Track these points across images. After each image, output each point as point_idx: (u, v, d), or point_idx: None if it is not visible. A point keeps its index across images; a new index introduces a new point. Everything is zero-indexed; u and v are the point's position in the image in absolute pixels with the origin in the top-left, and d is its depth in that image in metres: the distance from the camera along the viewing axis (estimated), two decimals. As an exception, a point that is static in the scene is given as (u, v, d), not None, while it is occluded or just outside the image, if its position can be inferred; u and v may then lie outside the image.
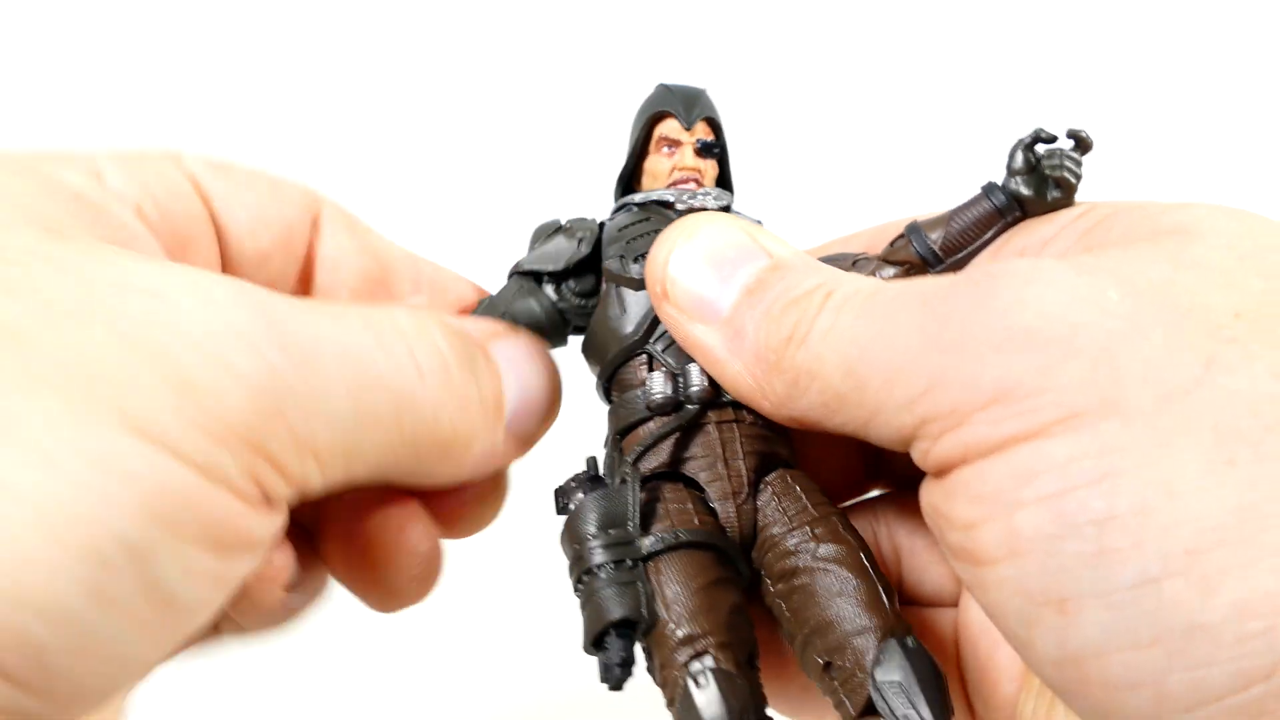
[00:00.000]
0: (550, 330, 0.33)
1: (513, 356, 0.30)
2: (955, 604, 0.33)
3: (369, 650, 0.59)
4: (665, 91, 0.33)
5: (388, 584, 0.30)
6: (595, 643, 0.27)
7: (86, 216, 0.25)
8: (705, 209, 0.31)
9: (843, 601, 0.27)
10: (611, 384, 0.32)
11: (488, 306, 0.33)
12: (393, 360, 0.26)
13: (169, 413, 0.21)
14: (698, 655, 0.26)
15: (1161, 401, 0.21)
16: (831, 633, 0.26)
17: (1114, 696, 0.21)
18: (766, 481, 0.30)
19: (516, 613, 0.59)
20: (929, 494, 0.24)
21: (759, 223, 0.32)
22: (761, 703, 0.26)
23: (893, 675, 0.25)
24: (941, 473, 0.23)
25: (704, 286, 0.28)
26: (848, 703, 0.26)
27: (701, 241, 0.28)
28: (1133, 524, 0.20)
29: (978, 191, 0.29)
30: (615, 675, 0.26)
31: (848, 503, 0.36)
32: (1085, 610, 0.21)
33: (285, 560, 0.29)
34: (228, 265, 0.30)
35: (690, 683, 0.25)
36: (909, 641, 0.26)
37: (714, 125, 0.33)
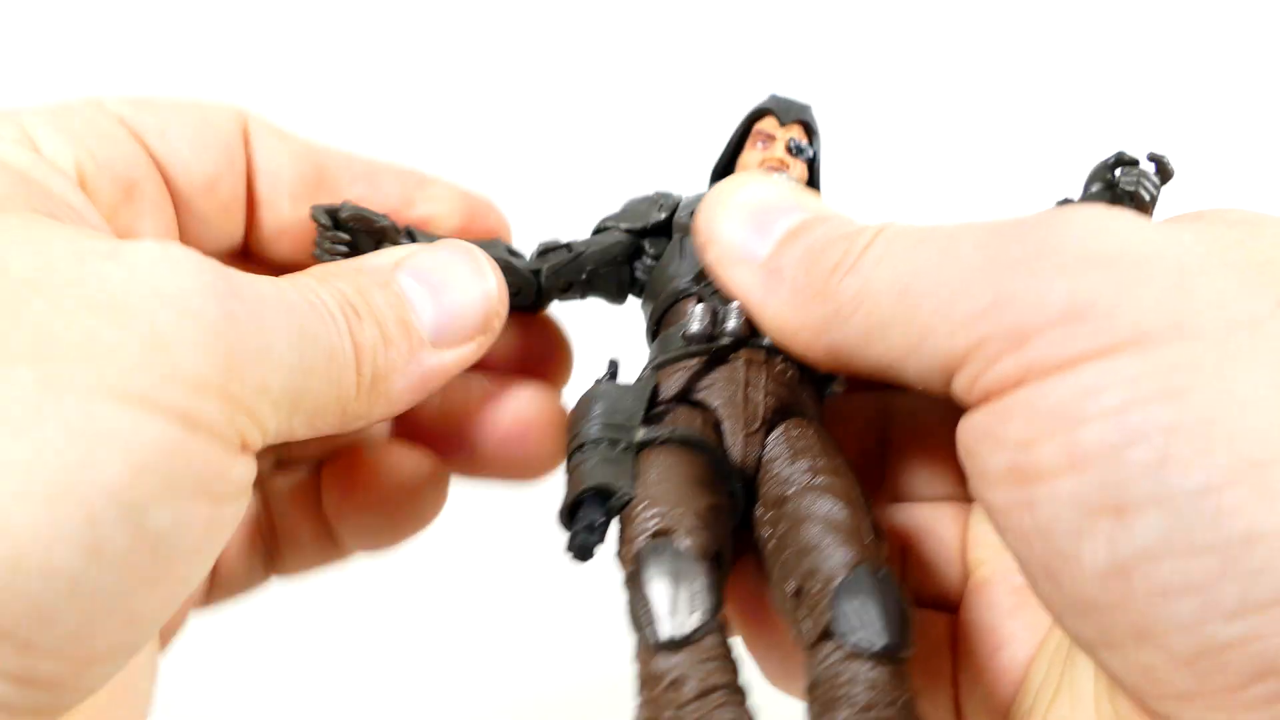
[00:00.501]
0: (615, 276, 0.35)
1: (420, 272, 0.30)
2: (955, 609, 0.33)
3: (377, 647, 0.59)
4: (771, 97, 0.34)
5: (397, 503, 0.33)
6: (571, 509, 0.27)
7: (32, 192, 0.26)
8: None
9: (825, 530, 0.27)
10: (660, 325, 0.33)
11: (566, 248, 0.34)
12: (315, 312, 0.26)
13: (144, 370, 0.21)
14: (662, 533, 0.26)
15: (1232, 328, 0.21)
16: (807, 558, 0.26)
17: (1160, 604, 0.21)
18: (786, 427, 0.30)
19: (522, 610, 0.59)
20: (973, 423, 0.24)
21: None
22: (718, 600, 0.25)
23: (854, 601, 0.25)
24: (991, 397, 0.23)
25: (744, 231, 0.28)
26: (808, 627, 0.25)
27: (746, 192, 0.29)
28: (1199, 434, 0.20)
29: (1051, 206, 0.29)
30: (580, 542, 0.26)
31: None
32: (1144, 515, 0.21)
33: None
34: (178, 199, 0.31)
35: (646, 557, 0.25)
36: (880, 572, 0.26)
37: (809, 131, 0.34)
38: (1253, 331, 0.21)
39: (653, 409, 0.29)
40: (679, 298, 0.32)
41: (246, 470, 0.24)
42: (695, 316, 0.30)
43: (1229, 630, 0.20)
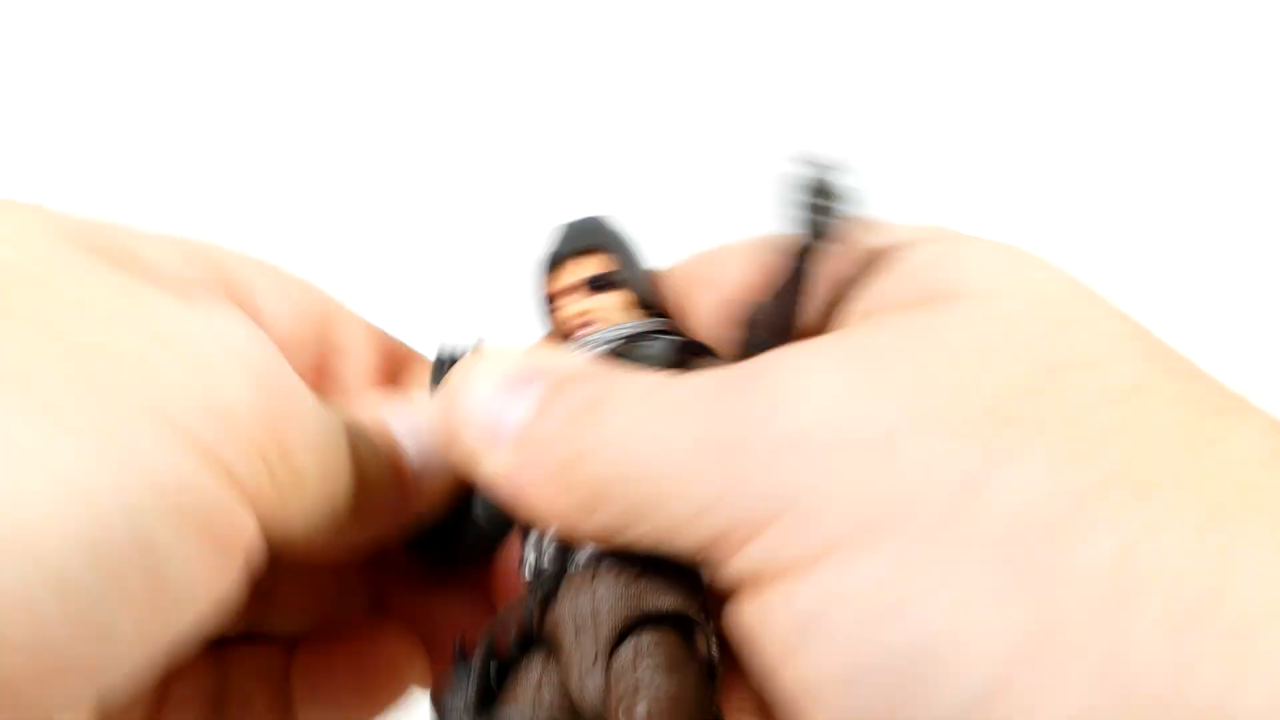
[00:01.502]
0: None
1: (410, 421, 0.30)
2: None
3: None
4: (547, 242, 0.30)
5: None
6: None
7: (128, 258, 0.27)
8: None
9: None
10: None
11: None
12: (339, 414, 0.27)
13: (189, 404, 0.22)
14: None
15: (946, 509, 0.19)
16: None
17: None
18: (624, 647, 0.26)
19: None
20: (734, 618, 0.23)
21: (675, 343, 0.29)
22: None
23: None
24: (744, 594, 0.22)
25: (489, 405, 0.25)
26: None
27: (479, 370, 0.26)
28: (940, 653, 0.19)
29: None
30: None
31: None
32: None
33: None
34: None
35: None
36: None
37: (604, 251, 0.30)
38: (966, 509, 0.19)
39: (487, 701, 0.26)
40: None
41: (250, 525, 0.23)
42: (527, 553, 0.28)
43: None
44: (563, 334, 0.30)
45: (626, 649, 0.25)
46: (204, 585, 0.23)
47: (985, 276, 0.23)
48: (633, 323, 0.29)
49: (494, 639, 0.27)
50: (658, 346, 0.29)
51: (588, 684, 0.25)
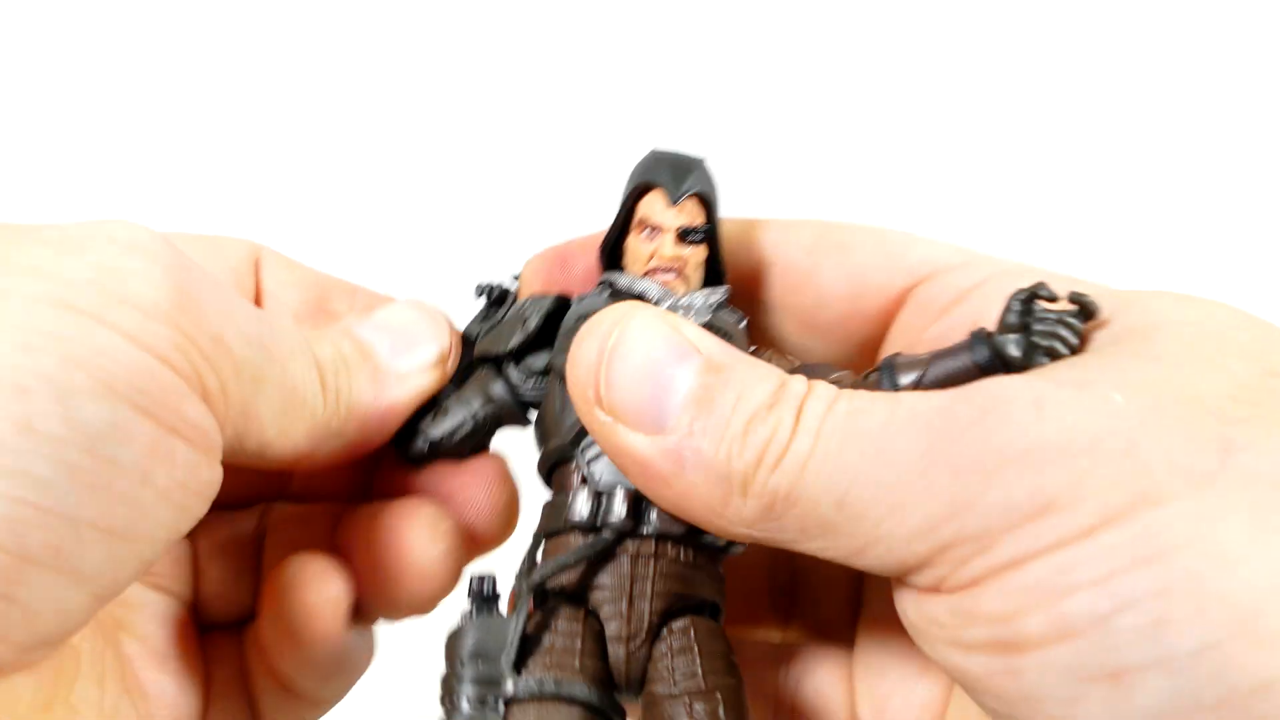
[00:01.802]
0: (508, 417, 0.32)
1: (375, 321, 0.32)
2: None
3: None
4: (656, 160, 0.31)
5: (403, 584, 0.31)
6: None
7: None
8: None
9: None
10: (551, 479, 0.31)
11: (443, 395, 0.33)
12: (272, 315, 0.29)
13: (91, 290, 0.23)
14: None
15: (1194, 488, 0.21)
16: None
17: None
18: (670, 629, 0.28)
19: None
20: (935, 605, 0.24)
21: (742, 318, 0.31)
22: None
23: None
24: (959, 590, 0.23)
25: (641, 394, 0.26)
26: None
27: (630, 343, 0.26)
28: (1190, 593, 0.21)
29: (965, 338, 0.27)
30: None
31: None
32: (1144, 680, 0.21)
33: (339, 589, 0.30)
34: None
35: None
36: None
37: (706, 201, 0.30)
38: (1213, 486, 0.21)
39: (527, 649, 0.28)
40: (562, 460, 0.30)
41: (204, 418, 0.24)
42: (579, 502, 0.29)
43: None
44: (633, 256, 0.31)
45: (679, 624, 0.28)
46: (148, 457, 0.23)
47: (1173, 309, 0.26)
48: (716, 293, 0.30)
49: (532, 592, 0.28)
50: (737, 323, 0.31)
51: (635, 654, 0.28)
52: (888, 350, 0.32)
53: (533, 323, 0.31)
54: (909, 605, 0.25)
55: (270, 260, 0.34)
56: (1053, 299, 0.26)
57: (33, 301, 0.22)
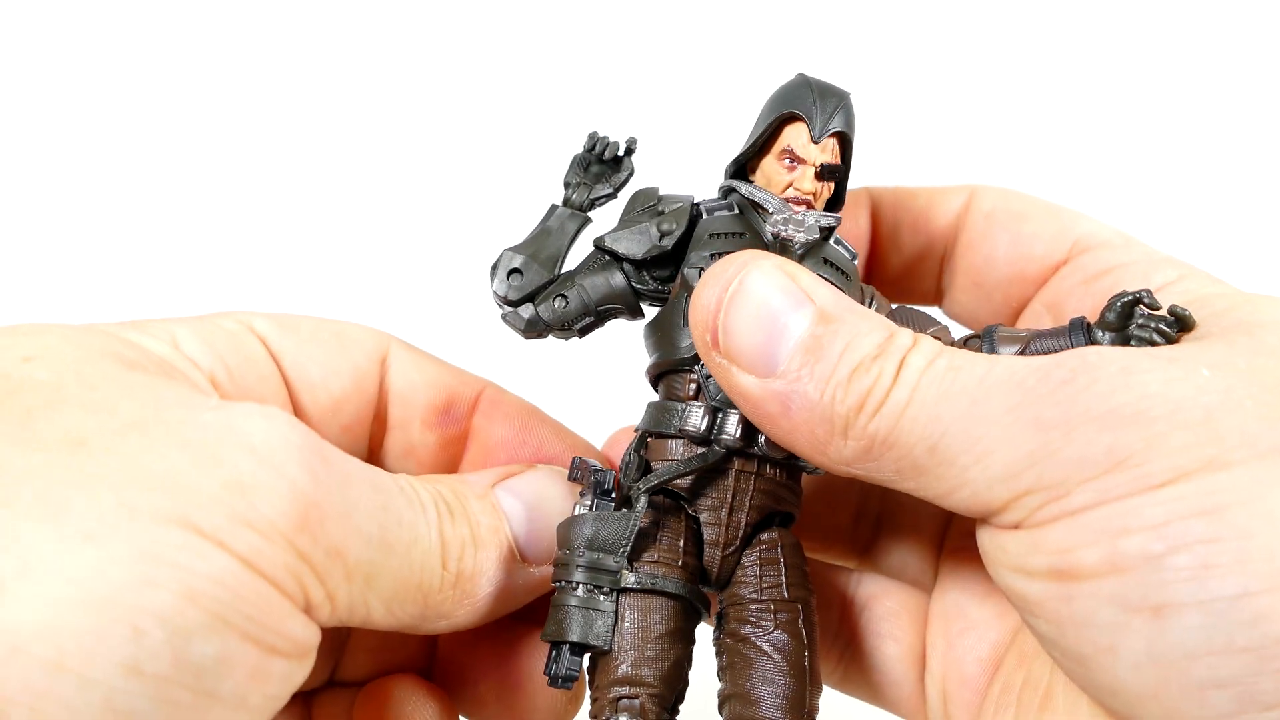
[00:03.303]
0: (625, 309, 0.34)
1: (517, 489, 0.32)
2: (928, 590, 0.36)
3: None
4: (805, 90, 0.32)
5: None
6: (552, 644, 0.30)
7: (164, 367, 0.28)
8: (794, 240, 0.31)
9: (771, 691, 0.29)
10: (659, 381, 0.33)
11: (564, 279, 0.34)
12: (406, 498, 0.28)
13: (217, 509, 0.23)
14: (629, 697, 0.29)
15: (1259, 457, 0.24)
16: (749, 709, 0.29)
17: (1195, 695, 0.23)
18: (760, 540, 0.32)
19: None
20: (1008, 539, 0.26)
21: (854, 255, 0.33)
22: None
23: None
24: (1031, 528, 0.26)
25: (755, 340, 0.28)
26: None
27: (748, 292, 0.29)
28: (1238, 546, 0.23)
29: (1065, 324, 0.30)
30: (558, 680, 0.29)
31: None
32: (1182, 616, 0.23)
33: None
34: (301, 417, 0.32)
35: (610, 717, 0.29)
36: None
37: (845, 141, 0.32)
38: (1275, 458, 0.23)
39: (638, 545, 0.30)
40: (678, 369, 0.32)
41: (305, 631, 0.25)
42: (694, 414, 0.31)
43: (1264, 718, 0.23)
44: (767, 180, 0.32)
45: (768, 536, 0.31)
46: (250, 683, 0.23)
47: (1275, 311, 0.28)
48: (828, 217, 0.32)
49: (647, 493, 0.30)
50: (849, 258, 0.33)
51: (728, 559, 0.31)
52: (1036, 304, 0.35)
53: (671, 238, 0.32)
54: (985, 537, 0.27)
55: (399, 357, 0.34)
56: (1155, 307, 0.29)
57: (159, 521, 0.22)
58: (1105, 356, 0.26)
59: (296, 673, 0.25)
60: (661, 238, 0.32)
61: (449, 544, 0.29)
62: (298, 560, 0.24)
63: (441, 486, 0.30)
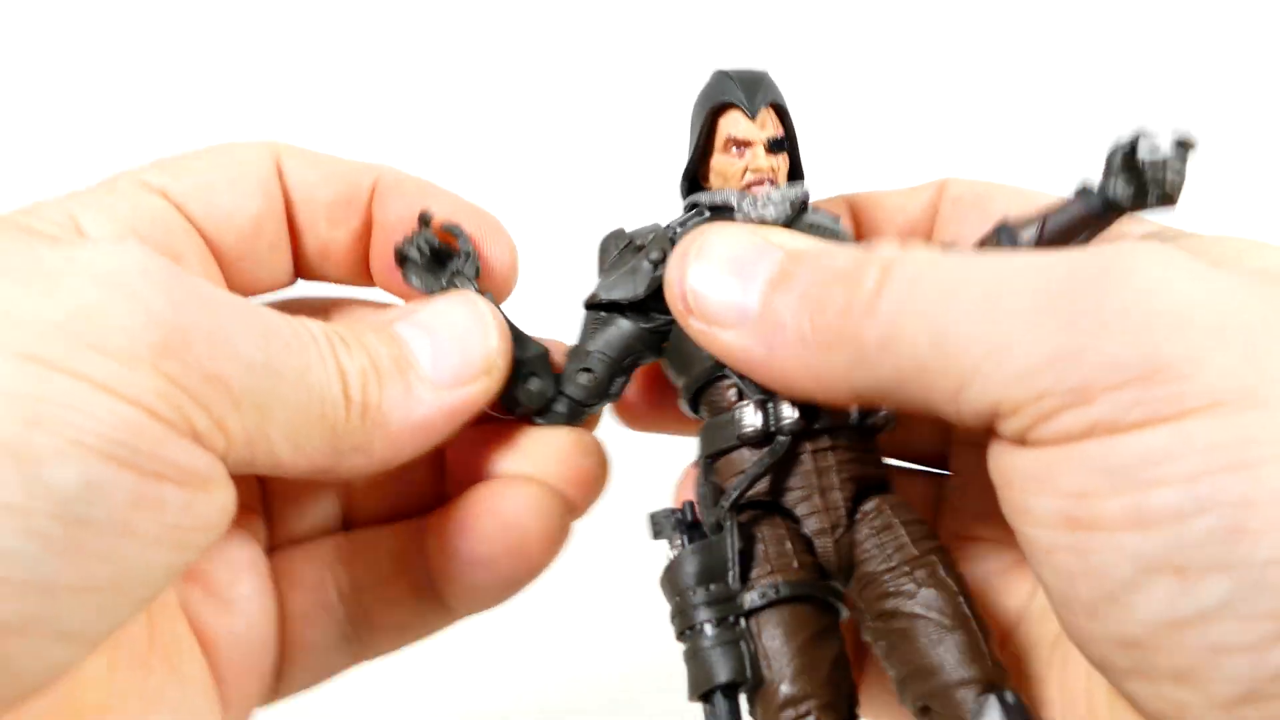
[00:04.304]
0: (646, 349, 0.33)
1: (418, 321, 0.30)
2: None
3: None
4: (724, 79, 0.31)
5: (519, 559, 0.31)
6: (703, 698, 0.28)
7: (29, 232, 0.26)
8: (770, 218, 0.30)
9: (943, 650, 0.27)
10: (699, 400, 0.32)
11: (573, 352, 0.33)
12: (292, 328, 0.26)
13: (59, 337, 0.22)
14: (800, 716, 0.27)
15: None
16: (931, 679, 0.27)
17: (1211, 657, 0.22)
18: (864, 512, 0.30)
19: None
20: (1017, 462, 0.24)
21: (837, 218, 0.32)
22: None
23: None
24: (1044, 445, 0.24)
25: (725, 291, 0.27)
26: None
27: (712, 249, 0.28)
28: (1270, 509, 0.21)
29: (1071, 194, 0.28)
30: None
31: None
32: (1209, 580, 0.21)
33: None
34: (224, 251, 0.31)
35: None
36: (1008, 696, 0.26)
37: (780, 111, 0.31)
38: None
39: (745, 563, 0.29)
40: (712, 379, 0.31)
41: (196, 458, 0.23)
42: (746, 415, 0.29)
43: (1275, 686, 0.21)
44: (723, 178, 0.31)
45: (869, 505, 0.30)
46: (145, 517, 0.22)
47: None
48: (794, 188, 0.31)
49: (732, 510, 0.29)
50: (831, 222, 0.32)
51: (841, 542, 0.29)
52: None
53: (654, 261, 0.31)
54: (994, 457, 0.25)
55: (292, 159, 0.33)
56: (1154, 147, 0.27)
57: None
58: (1142, 253, 0.24)
59: (201, 503, 0.24)
60: (655, 267, 0.31)
61: (348, 373, 0.27)
62: (167, 384, 0.23)
63: (337, 325, 0.28)
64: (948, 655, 0.27)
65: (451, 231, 0.32)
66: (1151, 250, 0.24)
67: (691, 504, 0.30)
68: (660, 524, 0.29)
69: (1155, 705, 0.23)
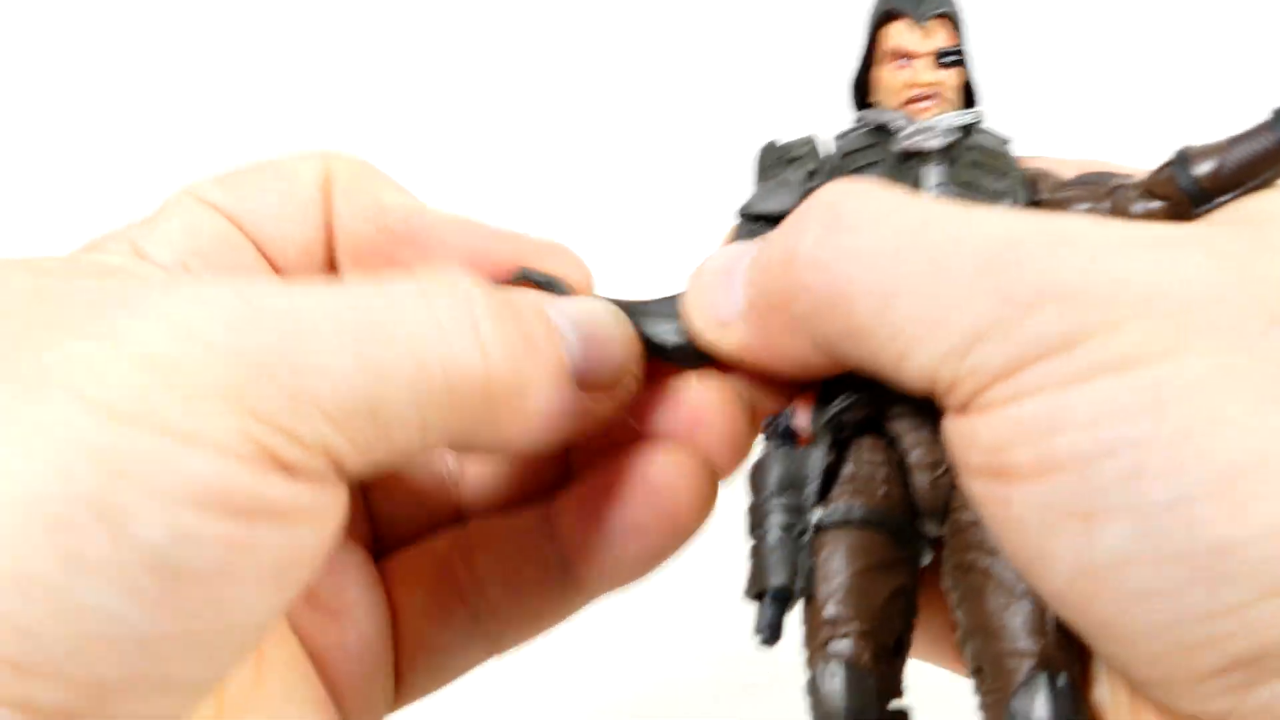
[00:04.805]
0: None
1: (568, 310, 0.29)
2: None
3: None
4: None
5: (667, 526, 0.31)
6: (755, 597, 0.28)
7: (102, 270, 0.27)
8: (929, 148, 0.29)
9: (1009, 615, 0.26)
10: None
11: None
12: (404, 314, 0.25)
13: (125, 384, 0.21)
14: (837, 638, 0.26)
15: (1219, 351, 0.22)
16: (991, 642, 0.26)
17: (1127, 606, 0.22)
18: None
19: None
20: (955, 425, 0.25)
21: (1006, 140, 0.30)
22: (892, 696, 0.27)
23: (1028, 709, 0.25)
24: (974, 412, 0.24)
25: (711, 301, 0.29)
26: (983, 707, 0.26)
27: (702, 278, 0.29)
28: (1173, 448, 0.21)
29: (1268, 116, 0.26)
30: (764, 635, 0.27)
31: None
32: (1113, 523, 0.21)
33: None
34: (282, 273, 0.31)
35: (821, 668, 0.26)
36: (1059, 679, 0.26)
37: (954, 22, 0.29)
38: (1240, 354, 0.22)
39: (829, 480, 0.28)
40: None
41: (286, 488, 0.23)
42: None
43: (1196, 632, 0.21)
44: (885, 89, 0.30)
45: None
46: (225, 552, 0.22)
47: None
48: (965, 115, 0.30)
49: (829, 426, 0.29)
50: (998, 144, 0.30)
51: (939, 481, 0.28)
52: None
53: (822, 176, 0.30)
54: (944, 424, 0.25)
55: (337, 187, 0.31)
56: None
57: (65, 407, 0.21)
58: (1092, 229, 0.24)
59: (303, 535, 0.23)
60: (809, 178, 0.31)
61: (488, 340, 0.25)
62: (250, 421, 0.22)
63: (481, 287, 0.27)
64: (1012, 621, 0.26)
65: (554, 287, 0.31)
66: (1098, 228, 0.24)
67: (790, 411, 0.29)
68: (769, 424, 0.29)
69: (1107, 658, 0.24)
